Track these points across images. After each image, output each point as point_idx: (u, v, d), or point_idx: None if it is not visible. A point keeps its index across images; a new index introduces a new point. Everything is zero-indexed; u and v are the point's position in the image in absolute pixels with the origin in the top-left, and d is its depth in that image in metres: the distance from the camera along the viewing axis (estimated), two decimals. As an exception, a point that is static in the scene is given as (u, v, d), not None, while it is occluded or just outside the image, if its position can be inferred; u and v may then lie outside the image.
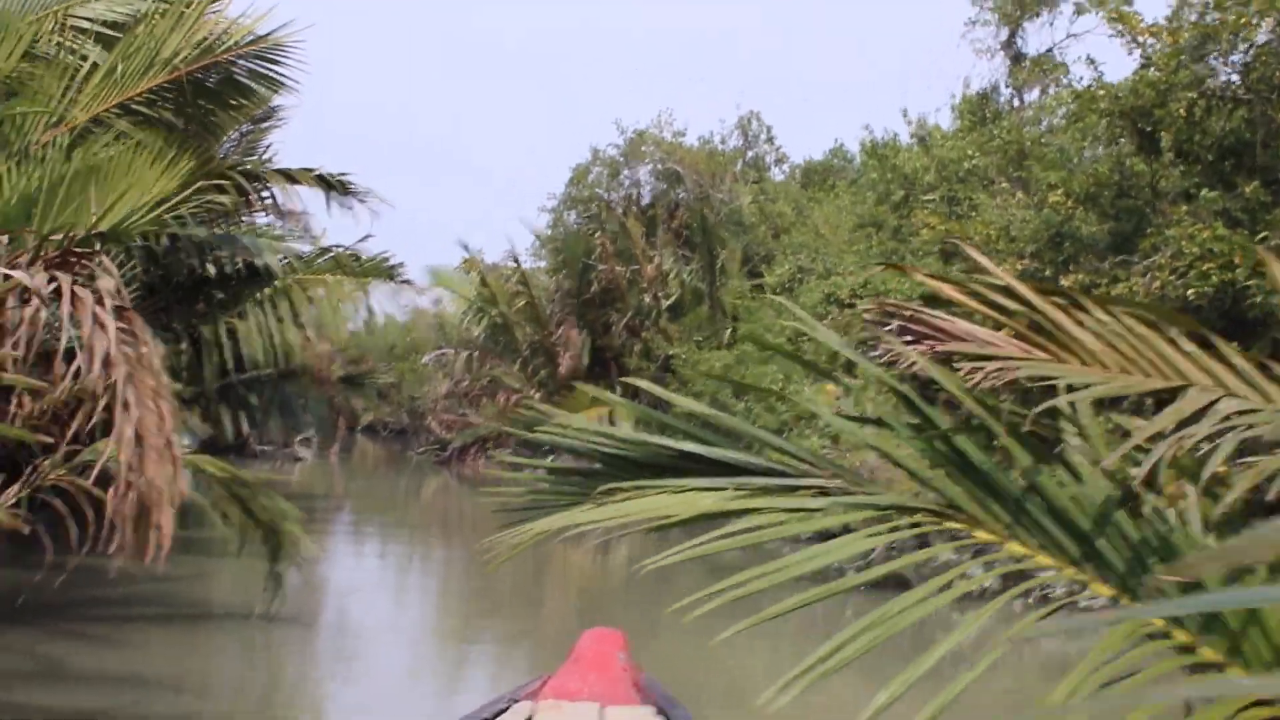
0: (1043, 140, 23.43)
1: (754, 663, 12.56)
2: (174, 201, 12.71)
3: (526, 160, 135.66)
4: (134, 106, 13.11)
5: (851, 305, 21.95)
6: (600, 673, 6.22)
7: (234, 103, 14.05)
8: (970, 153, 23.82)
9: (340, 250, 19.60)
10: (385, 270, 19.79)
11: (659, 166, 38.91)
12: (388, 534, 25.98)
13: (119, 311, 5.15)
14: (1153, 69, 16.99)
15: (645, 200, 39.25)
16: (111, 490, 4.71)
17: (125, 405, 4.66)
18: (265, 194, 17.38)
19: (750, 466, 4.52)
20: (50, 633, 11.33)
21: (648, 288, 35.03)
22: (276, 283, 18.81)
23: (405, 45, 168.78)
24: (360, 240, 20.90)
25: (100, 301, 5.01)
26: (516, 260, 38.99)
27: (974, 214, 22.22)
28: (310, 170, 16.95)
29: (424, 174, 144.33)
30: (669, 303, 34.89)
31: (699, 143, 39.98)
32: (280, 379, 20.56)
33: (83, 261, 5.34)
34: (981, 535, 4.14)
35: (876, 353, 5.02)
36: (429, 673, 12.12)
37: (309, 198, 19.10)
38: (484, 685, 10.56)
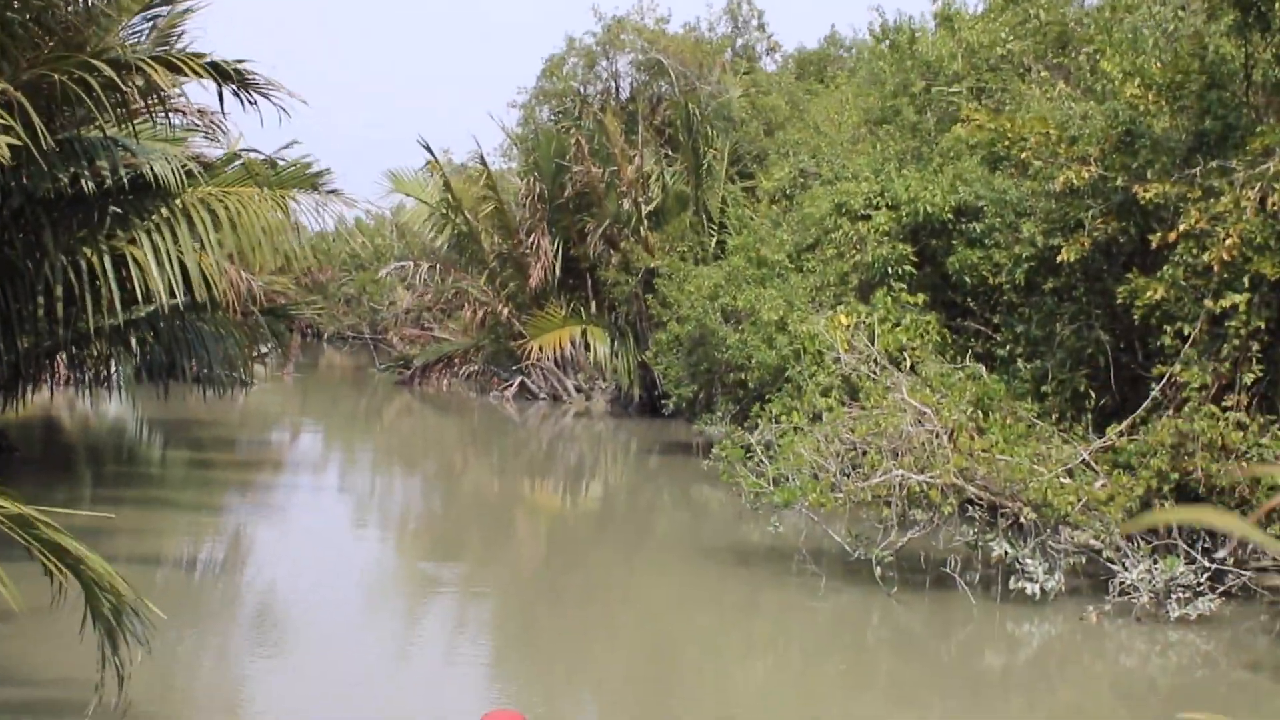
0: (1085, 22, 19.87)
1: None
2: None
3: (498, 50, 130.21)
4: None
5: (867, 217, 18.46)
6: None
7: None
8: (1004, 36, 20.28)
9: (252, 156, 16.14)
10: (307, 178, 16.35)
11: (640, 57, 35.47)
12: (339, 493, 22.85)
13: None
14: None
15: (625, 94, 35.94)
16: None
17: None
18: (147, 89, 13.93)
19: None
20: None
21: (626, 191, 31.59)
22: (177, 200, 15.39)
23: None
24: (284, 147, 17.45)
25: None
26: (483, 161, 35.48)
27: (1008, 105, 18.75)
28: (200, 56, 13.45)
29: (388, 64, 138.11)
30: (650, 208, 31.48)
31: (684, 30, 36.58)
32: (185, 312, 17.18)
33: None
34: None
35: None
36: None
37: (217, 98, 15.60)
38: None
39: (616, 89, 36.23)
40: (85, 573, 6.65)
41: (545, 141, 34.12)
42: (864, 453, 12.56)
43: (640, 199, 31.36)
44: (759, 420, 14.20)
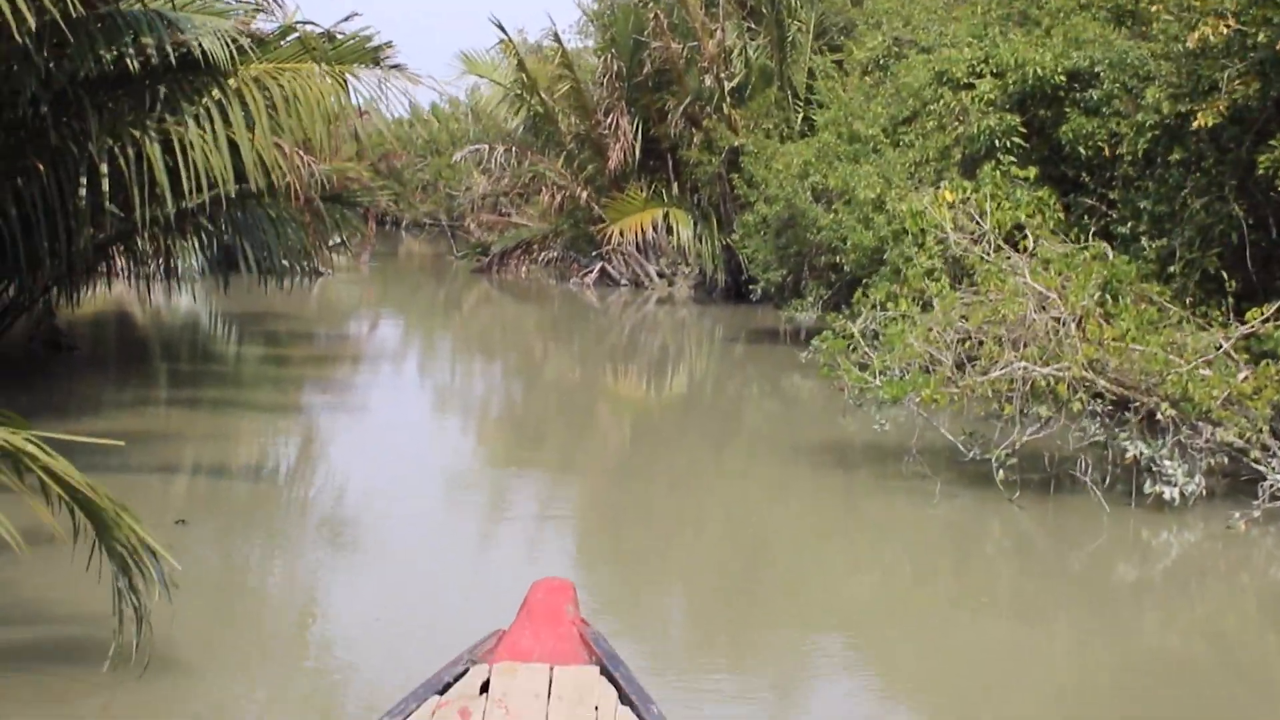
0: None
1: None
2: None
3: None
4: None
5: (970, 86, 17.05)
6: (551, 628, 5.89)
7: None
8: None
9: (308, 29, 15.04)
10: (367, 52, 15.25)
11: (720, -76, 33.82)
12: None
13: None
14: None
15: (705, -36, 34.30)
16: None
17: None
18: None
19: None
20: None
21: (708, 67, 30.14)
22: (229, 79, 14.33)
23: None
24: (344, 20, 16.30)
25: None
26: (558, 39, 34.11)
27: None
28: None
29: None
30: (732, 85, 30.07)
31: (766, -107, 34.75)
32: (243, 199, 16.20)
33: None
34: None
35: None
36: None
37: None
38: None
39: (696, -42, 34.63)
40: (93, 506, 5.69)
41: (622, 17, 32.69)
42: (980, 343, 11.35)
43: (722, 75, 29.91)
44: (859, 307, 13.00)
